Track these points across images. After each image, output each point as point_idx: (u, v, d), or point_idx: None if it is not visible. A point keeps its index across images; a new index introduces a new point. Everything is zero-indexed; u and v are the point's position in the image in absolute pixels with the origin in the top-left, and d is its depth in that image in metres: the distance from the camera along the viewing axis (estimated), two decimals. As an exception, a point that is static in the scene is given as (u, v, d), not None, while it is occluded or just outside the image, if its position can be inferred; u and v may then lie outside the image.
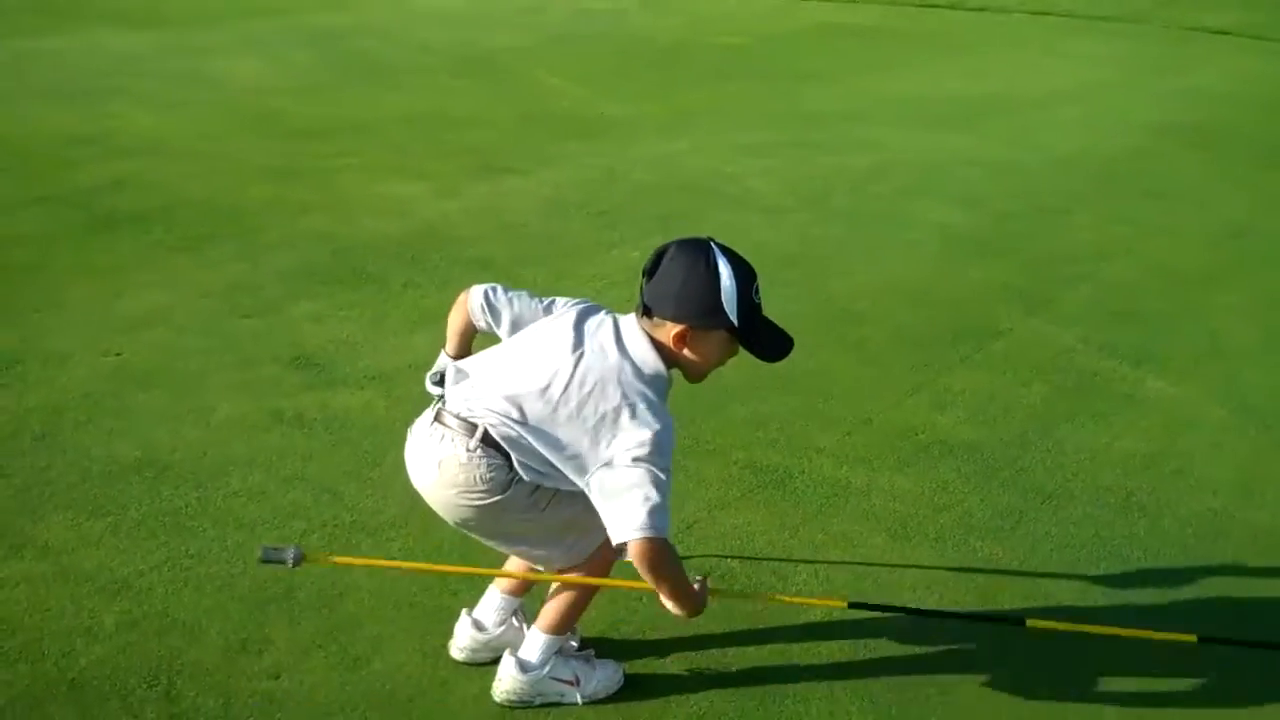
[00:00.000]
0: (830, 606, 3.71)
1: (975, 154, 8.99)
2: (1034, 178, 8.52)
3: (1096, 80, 11.73)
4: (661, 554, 2.90)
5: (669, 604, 3.03)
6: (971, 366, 5.59)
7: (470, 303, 3.29)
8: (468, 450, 3.03)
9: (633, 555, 2.89)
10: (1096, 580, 4.02)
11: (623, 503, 2.88)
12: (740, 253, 3.05)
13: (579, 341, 3.06)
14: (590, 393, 2.96)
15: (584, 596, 3.35)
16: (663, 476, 2.89)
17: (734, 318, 2.98)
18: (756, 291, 3.04)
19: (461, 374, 3.16)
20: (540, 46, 12.07)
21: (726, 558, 4.04)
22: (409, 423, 3.22)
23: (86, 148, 8.08)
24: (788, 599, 3.74)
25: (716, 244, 3.00)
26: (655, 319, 3.01)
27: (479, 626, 3.49)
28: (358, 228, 6.85)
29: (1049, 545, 4.20)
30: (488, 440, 3.02)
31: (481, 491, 3.05)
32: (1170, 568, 4.13)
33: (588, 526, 3.12)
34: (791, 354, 3.15)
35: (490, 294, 3.28)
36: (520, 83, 10.75)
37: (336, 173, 7.89)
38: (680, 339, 3.00)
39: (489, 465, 3.02)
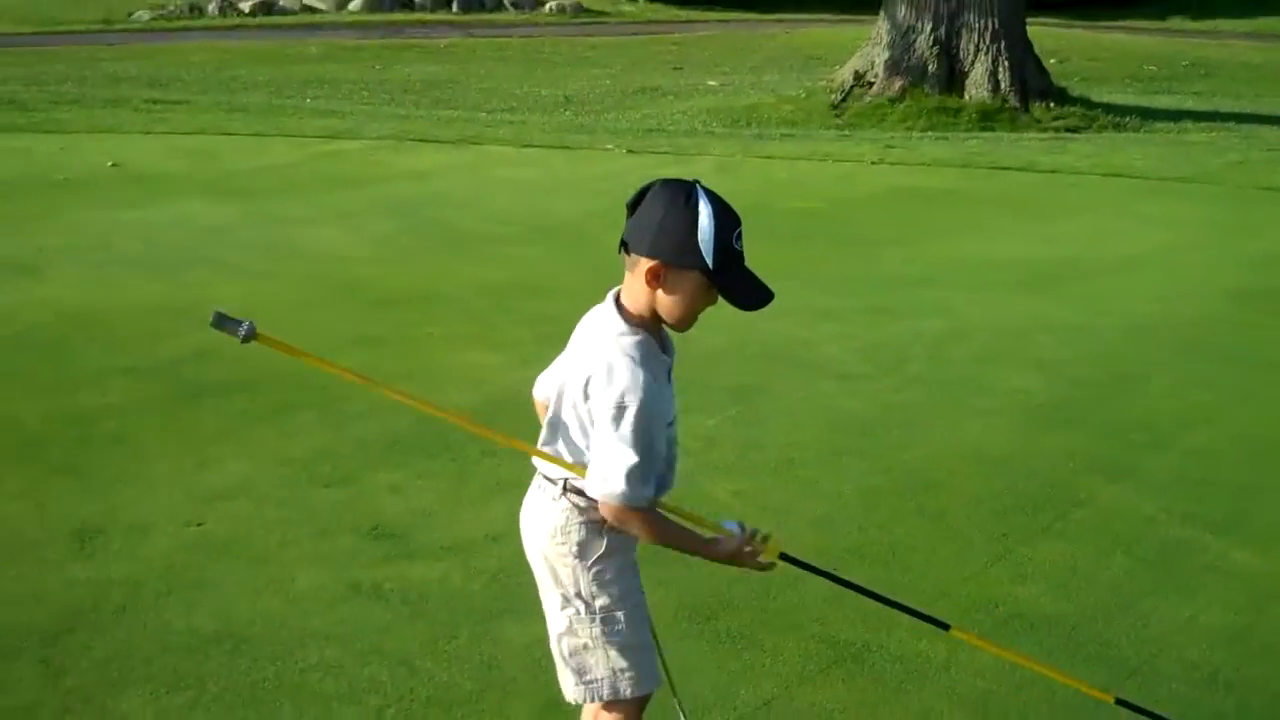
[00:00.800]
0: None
1: (1051, 319, 8.99)
2: (1111, 344, 8.48)
3: (1171, 243, 11.72)
4: (628, 520, 3.02)
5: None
6: (1052, 537, 5.53)
7: (535, 398, 3.42)
8: (553, 499, 3.15)
9: (605, 515, 3.03)
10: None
11: (601, 460, 2.98)
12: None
13: (575, 349, 3.19)
14: (581, 379, 3.07)
15: None
16: (632, 436, 2.96)
17: (708, 258, 2.98)
18: (738, 238, 3.04)
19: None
20: (615, 213, 12.14)
21: (804, 736, 4.00)
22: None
23: (173, 319, 8.26)
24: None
25: (702, 186, 3.03)
26: (632, 255, 3.06)
27: None
28: (437, 397, 6.91)
29: (1135, 724, 4.11)
30: (569, 486, 3.13)
31: (564, 544, 3.15)
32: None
33: (615, 669, 3.17)
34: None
35: (540, 380, 3.41)
36: (597, 250, 10.85)
37: (419, 342, 8.02)
38: (654, 276, 3.02)
39: (571, 510, 3.13)
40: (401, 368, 7.43)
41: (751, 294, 3.07)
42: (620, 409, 2.97)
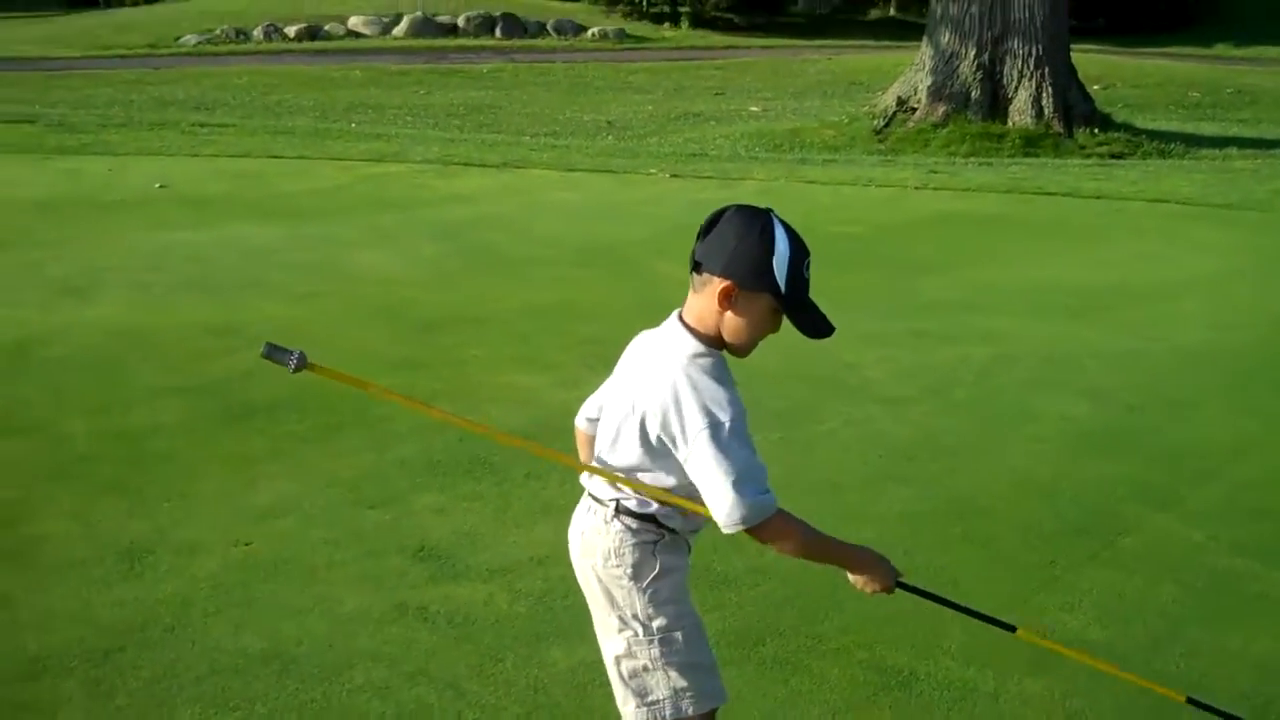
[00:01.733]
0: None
1: (1098, 345, 8.93)
2: (1160, 370, 8.42)
3: (1220, 270, 11.63)
4: (775, 536, 3.04)
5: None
6: (1100, 564, 5.49)
7: (578, 427, 3.44)
8: (605, 521, 3.14)
9: (762, 541, 3.05)
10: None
11: (714, 490, 2.96)
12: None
13: (633, 368, 3.18)
14: (651, 402, 3.04)
15: None
16: (737, 446, 2.95)
17: (781, 283, 3.01)
18: (808, 268, 3.08)
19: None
20: (657, 238, 12.26)
21: (852, 763, 3.97)
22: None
23: (222, 338, 8.33)
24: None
25: (775, 215, 3.07)
26: (704, 274, 3.06)
27: None
28: (481, 418, 6.94)
29: (1187, 755, 4.07)
30: (621, 509, 3.13)
31: (619, 566, 3.14)
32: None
33: (677, 688, 3.18)
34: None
35: (583, 409, 3.42)
36: (639, 274, 10.90)
37: (462, 364, 8.04)
38: (726, 297, 3.03)
39: (624, 532, 3.13)
40: (445, 389, 7.46)
41: (815, 324, 3.10)
42: (715, 425, 2.96)
